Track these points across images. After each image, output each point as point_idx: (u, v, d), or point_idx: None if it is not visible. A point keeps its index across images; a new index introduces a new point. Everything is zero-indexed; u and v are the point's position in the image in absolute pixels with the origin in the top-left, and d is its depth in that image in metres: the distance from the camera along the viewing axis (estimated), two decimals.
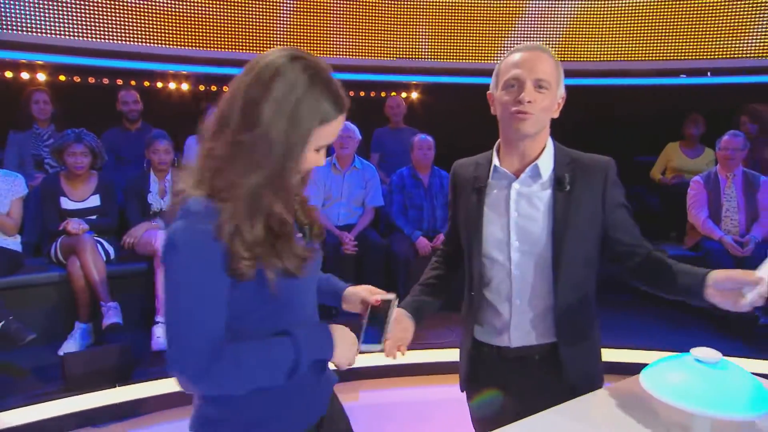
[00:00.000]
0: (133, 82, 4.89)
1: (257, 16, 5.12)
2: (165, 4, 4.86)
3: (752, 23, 5.18)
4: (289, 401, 1.12)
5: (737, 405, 1.10)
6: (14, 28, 4.39)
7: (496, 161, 1.45)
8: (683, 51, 5.33)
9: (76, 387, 2.88)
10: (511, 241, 1.41)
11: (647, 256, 1.41)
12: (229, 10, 5.05)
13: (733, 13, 5.22)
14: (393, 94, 5.28)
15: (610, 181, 1.40)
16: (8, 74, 4.59)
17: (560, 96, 1.41)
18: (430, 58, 5.53)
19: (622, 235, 1.41)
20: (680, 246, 4.21)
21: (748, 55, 5.22)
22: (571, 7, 5.47)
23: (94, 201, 3.55)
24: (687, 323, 3.86)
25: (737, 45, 5.23)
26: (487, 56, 5.48)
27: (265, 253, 1.01)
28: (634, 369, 2.28)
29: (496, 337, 1.48)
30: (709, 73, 5.31)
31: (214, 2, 5.01)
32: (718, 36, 5.27)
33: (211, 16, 5.01)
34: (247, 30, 5.11)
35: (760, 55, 5.20)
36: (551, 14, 5.49)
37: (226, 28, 5.06)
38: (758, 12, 5.15)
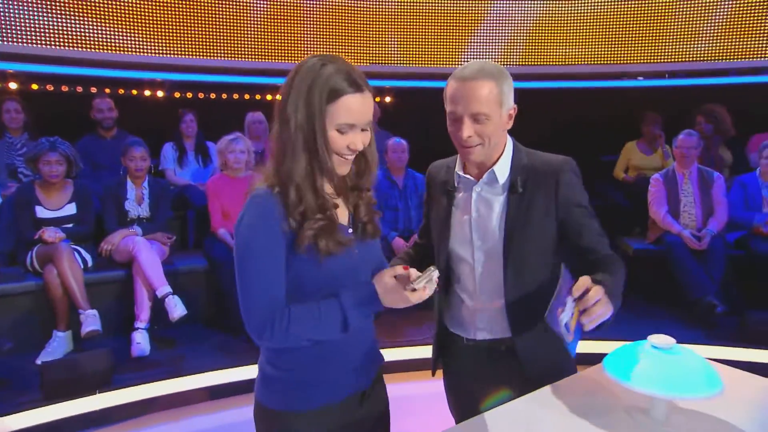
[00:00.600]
0: (107, 90, 4.79)
1: (226, 22, 5.10)
2: (139, 13, 4.79)
3: (707, 27, 5.36)
4: (334, 368, 1.25)
5: (690, 387, 1.16)
6: None
7: (459, 169, 1.51)
8: (642, 54, 5.50)
9: (55, 395, 2.84)
10: (474, 239, 1.48)
11: (596, 260, 1.42)
12: (200, 17, 5.01)
13: (689, 18, 5.40)
14: None
15: (563, 182, 1.42)
16: None
17: (508, 110, 1.42)
18: (404, 63, 5.58)
19: (576, 237, 1.43)
20: (644, 240, 4.33)
21: (704, 59, 5.41)
22: (535, 11, 5.59)
23: (70, 209, 3.49)
24: (652, 313, 3.98)
25: (694, 49, 5.41)
26: (459, 60, 5.57)
27: (312, 231, 1.16)
28: (597, 360, 2.37)
29: (463, 329, 1.55)
30: (666, 75, 5.48)
31: (187, 10, 4.96)
32: (676, 40, 5.45)
33: (184, 24, 4.96)
34: (216, 36, 5.08)
35: (714, 58, 5.39)
36: (516, 19, 5.59)
37: (198, 36, 5.02)
38: (710, 17, 5.34)
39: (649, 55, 5.48)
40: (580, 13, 5.55)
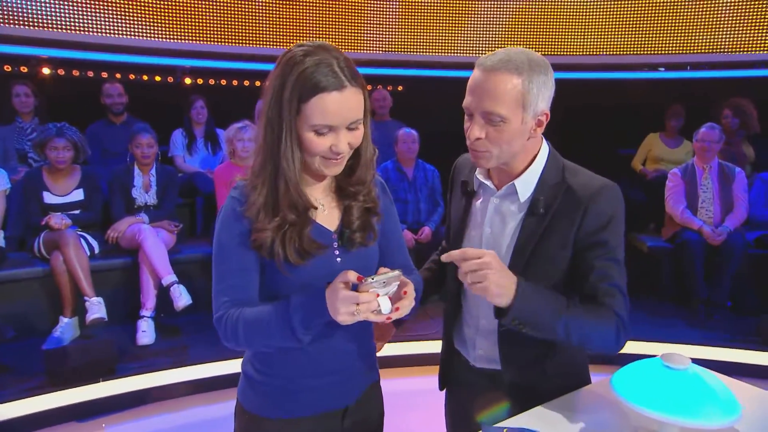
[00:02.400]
0: (118, 75, 4.78)
1: (239, 7, 5.00)
2: None
3: (734, 17, 5.14)
4: (309, 380, 1.19)
5: (705, 412, 1.07)
6: None
7: (480, 172, 1.30)
8: (666, 44, 5.29)
9: (60, 382, 2.83)
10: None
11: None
12: (213, 2, 4.93)
13: (716, 7, 5.17)
14: (379, 87, 5.20)
15: (592, 212, 1.17)
16: None
17: (536, 115, 1.17)
18: (416, 51, 5.44)
19: (580, 278, 1.21)
20: (658, 237, 4.20)
21: (729, 50, 5.19)
22: (554, 1, 5.40)
23: (77, 195, 3.47)
24: (665, 313, 3.87)
25: (719, 39, 5.19)
26: (473, 50, 5.41)
27: (276, 236, 1.10)
28: (611, 359, 2.26)
29: (466, 351, 1.41)
30: (688, 67, 5.27)
31: None
32: (700, 30, 5.23)
33: (196, 9, 4.88)
34: (227, 21, 4.99)
35: (740, 50, 5.17)
36: (537, 7, 5.41)
37: (210, 21, 4.94)
38: (740, 6, 5.11)
39: (671, 47, 5.27)
40: (601, 1, 5.35)
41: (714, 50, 5.20)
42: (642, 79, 5.42)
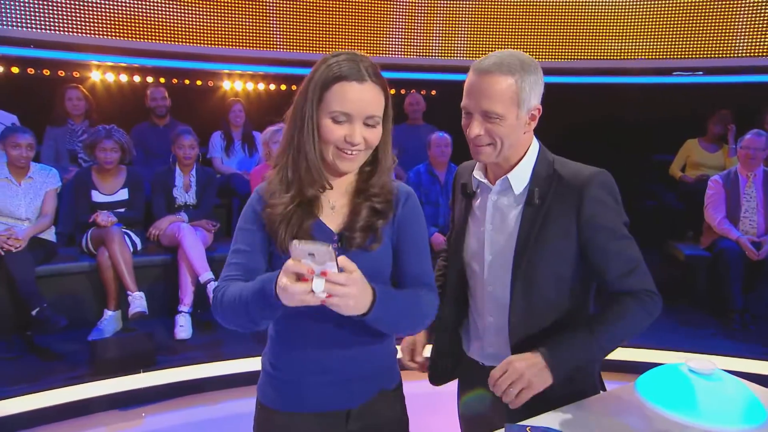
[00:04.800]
0: (162, 80, 4.97)
1: (276, 13, 5.12)
2: (192, 3, 4.89)
3: None
4: (309, 375, 1.21)
5: (730, 417, 1.07)
6: (47, 27, 4.49)
7: (477, 171, 1.36)
8: (703, 48, 5.15)
9: (104, 372, 2.97)
10: (485, 254, 1.33)
11: (608, 297, 1.28)
12: (253, 8, 5.07)
13: (758, 11, 5.01)
14: (412, 91, 5.24)
15: (589, 199, 1.22)
16: (46, 72, 4.71)
17: (529, 110, 1.24)
18: (449, 56, 5.46)
19: (599, 265, 1.26)
20: (696, 246, 4.10)
21: None
22: (592, 3, 5.33)
23: (123, 194, 3.62)
24: (701, 323, 3.77)
25: (761, 43, 5.03)
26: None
27: (284, 214, 1.14)
28: (630, 368, 2.23)
29: (474, 349, 1.43)
30: (700, 73, 5.09)
31: (238, 1, 5.03)
32: (743, 32, 5.07)
33: (234, 15, 5.03)
34: (265, 27, 5.11)
35: None
36: (570, 6, 5.35)
37: (249, 27, 5.08)
38: None
39: (711, 50, 5.13)
40: (637, 3, 5.26)
41: (758, 54, 5.03)
42: (678, 83, 5.29)
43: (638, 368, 2.55)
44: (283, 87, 5.42)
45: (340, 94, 1.09)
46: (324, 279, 0.94)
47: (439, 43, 5.48)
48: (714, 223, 3.87)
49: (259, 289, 1.04)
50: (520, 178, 1.30)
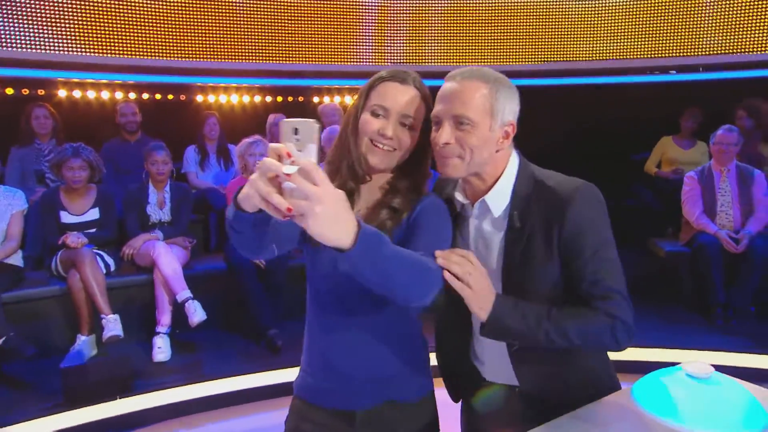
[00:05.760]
0: (132, 95, 4.86)
1: (248, 25, 5.06)
2: (160, 17, 4.80)
3: (749, 17, 5.06)
4: (314, 366, 1.29)
5: (731, 423, 1.03)
6: (13, 45, 4.35)
7: (458, 190, 1.29)
8: (675, 47, 5.23)
9: (78, 400, 2.83)
10: None
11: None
12: (220, 20, 4.99)
13: (729, 8, 5.11)
14: None
15: (570, 218, 1.15)
16: (9, 91, 4.55)
17: (503, 125, 1.19)
18: (427, 63, 5.45)
19: (575, 290, 1.19)
20: (676, 242, 4.13)
21: (742, 51, 5.11)
22: (562, 6, 5.37)
23: (93, 214, 3.50)
24: (685, 319, 3.79)
25: (731, 40, 5.12)
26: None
27: None
28: (630, 367, 2.19)
29: (478, 363, 1.40)
30: (701, 69, 5.20)
31: (206, 12, 4.95)
32: (711, 31, 5.16)
33: (205, 27, 4.95)
34: (237, 39, 5.04)
35: (753, 50, 5.09)
36: (541, 6, 5.38)
37: (219, 38, 5.00)
38: (755, 6, 5.03)
39: (683, 48, 5.21)
40: (605, 6, 5.32)
41: (726, 51, 5.12)
42: (652, 82, 5.35)
43: (625, 367, 2.54)
44: (258, 98, 5.35)
45: (380, 90, 1.19)
46: (296, 167, 0.81)
47: (402, 49, 5.44)
48: (692, 219, 3.90)
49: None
50: (498, 199, 1.23)
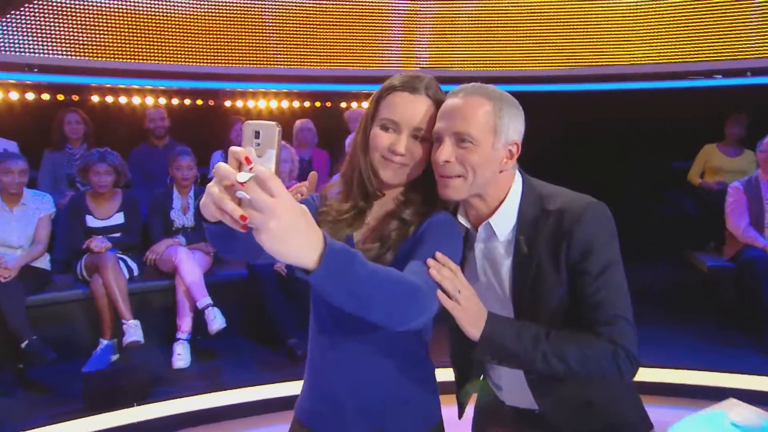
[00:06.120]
0: (161, 100, 4.91)
1: (279, 30, 5.05)
2: (189, 23, 4.83)
3: None
4: (308, 394, 1.25)
5: None
6: (50, 51, 4.44)
7: (460, 213, 1.23)
8: (720, 50, 4.94)
9: (96, 406, 2.83)
10: (486, 303, 1.20)
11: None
12: (252, 27, 4.99)
13: None
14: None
15: (577, 240, 1.10)
16: (44, 96, 4.65)
17: (507, 144, 1.14)
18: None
19: (577, 313, 1.14)
20: (719, 256, 3.88)
21: None
22: (598, 8, 5.17)
23: (118, 219, 3.52)
24: (729, 340, 3.53)
25: None
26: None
27: (329, 220, 1.17)
28: (668, 390, 2.00)
29: (496, 390, 1.36)
30: (748, 73, 4.90)
31: (236, 18, 4.95)
32: (759, 33, 4.86)
33: (234, 32, 4.96)
34: (262, 43, 5.03)
35: None
36: (581, 10, 5.18)
37: (248, 44, 4.99)
38: None
39: (728, 51, 4.92)
40: (648, 7, 5.08)
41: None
42: (695, 87, 5.08)
43: (661, 390, 2.33)
44: (285, 104, 5.35)
45: (390, 102, 1.13)
46: (249, 173, 0.72)
47: (431, 53, 5.33)
48: (738, 232, 3.65)
49: None
50: (503, 222, 1.18)
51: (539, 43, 5.22)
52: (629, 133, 4.81)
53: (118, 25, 4.61)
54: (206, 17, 4.86)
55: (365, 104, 5.23)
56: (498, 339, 1.09)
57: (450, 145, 1.10)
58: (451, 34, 5.29)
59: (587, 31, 5.19)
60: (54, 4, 4.35)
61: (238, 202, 0.73)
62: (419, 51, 5.32)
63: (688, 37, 5.00)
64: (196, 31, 4.83)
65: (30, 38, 4.36)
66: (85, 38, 4.52)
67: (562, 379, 1.14)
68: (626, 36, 5.14)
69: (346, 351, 1.15)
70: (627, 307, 1.12)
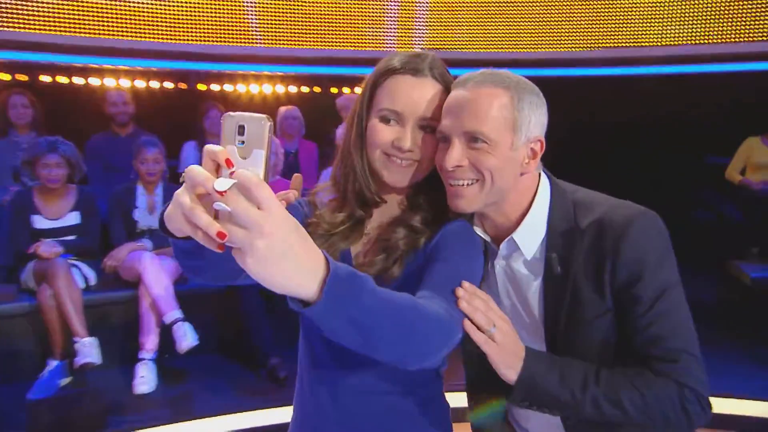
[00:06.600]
0: (124, 82, 4.82)
1: (258, 6, 4.95)
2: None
3: None
4: (295, 423, 1.21)
5: None
6: None
7: (476, 223, 1.17)
8: (762, 30, 4.88)
9: None
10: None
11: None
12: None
13: None
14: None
15: (623, 259, 1.04)
16: None
17: (528, 141, 1.07)
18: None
19: (629, 347, 1.09)
20: (765, 265, 3.85)
21: None
22: None
23: (72, 219, 3.41)
24: (761, 360, 3.46)
25: None
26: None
27: (321, 233, 1.12)
28: (730, 423, 1.93)
29: (517, 424, 1.34)
30: None
31: None
32: None
33: (207, 7, 4.85)
34: (240, 20, 4.93)
35: None
36: None
37: (224, 20, 4.89)
38: None
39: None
40: None
41: None
42: (733, 72, 5.02)
43: (733, 423, 2.23)
44: (268, 88, 5.29)
45: (390, 89, 1.06)
46: (229, 179, 0.65)
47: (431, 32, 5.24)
48: None
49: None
50: (530, 237, 1.12)
51: (551, 22, 5.15)
52: (656, 125, 4.76)
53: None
54: None
55: (359, 90, 5.26)
56: (539, 382, 1.04)
57: (460, 146, 1.04)
58: (456, 10, 5.21)
59: (607, 8, 5.11)
60: None
61: (215, 214, 0.66)
62: (420, 29, 5.23)
63: (727, 16, 4.93)
64: (166, 3, 4.72)
65: None
66: (34, 9, 4.39)
67: (613, 426, 1.09)
68: (653, 13, 5.07)
69: (343, 387, 1.10)
70: (691, 338, 1.07)
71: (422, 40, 5.24)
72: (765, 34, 4.84)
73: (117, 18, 4.60)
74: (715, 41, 4.97)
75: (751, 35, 4.87)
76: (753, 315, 3.76)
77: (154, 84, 5.03)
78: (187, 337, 3.15)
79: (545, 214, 1.12)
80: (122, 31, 4.63)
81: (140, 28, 4.68)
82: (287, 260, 0.66)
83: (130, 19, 4.64)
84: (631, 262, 1.04)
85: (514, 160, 1.06)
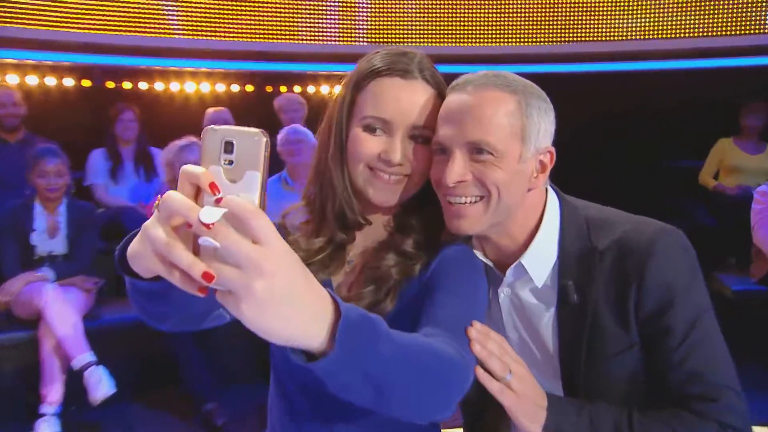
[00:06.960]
0: (13, 78, 4.62)
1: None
2: None
3: None
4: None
5: None
6: None
7: (475, 246, 1.15)
8: (734, 25, 5.09)
9: None
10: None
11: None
12: None
13: None
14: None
15: (648, 284, 1.03)
16: None
17: (537, 152, 1.06)
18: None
19: (662, 384, 1.07)
20: (746, 277, 3.93)
21: None
22: None
23: None
24: (758, 381, 3.51)
25: None
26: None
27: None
28: None
29: None
30: None
31: None
32: None
33: None
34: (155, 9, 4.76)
35: None
36: None
37: (148, 8, 4.74)
38: None
39: (745, 26, 5.08)
40: None
41: None
42: (703, 68, 5.23)
43: None
44: (191, 86, 5.17)
45: (374, 94, 1.04)
46: (215, 207, 0.62)
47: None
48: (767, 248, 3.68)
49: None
50: (540, 262, 1.11)
51: (531, 17, 5.26)
52: (621, 127, 4.85)
53: None
54: None
55: (314, 89, 5.17)
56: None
57: (462, 158, 1.02)
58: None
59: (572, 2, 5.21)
60: None
61: (197, 250, 0.63)
62: (363, 20, 5.19)
63: (695, 9, 5.12)
64: None
65: None
66: None
67: None
68: (615, 6, 5.22)
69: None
70: (730, 370, 1.07)
71: (366, 32, 5.22)
72: (729, 29, 5.07)
73: (10, 2, 4.41)
74: (673, 36, 5.18)
75: (716, 30, 5.10)
76: (736, 330, 3.84)
77: (50, 81, 4.81)
78: (102, 385, 3.02)
79: (556, 235, 1.12)
80: (10, 19, 4.42)
81: (32, 14, 4.48)
82: (291, 305, 0.62)
83: (26, 3, 4.44)
84: (658, 287, 1.03)
85: (522, 173, 1.05)
